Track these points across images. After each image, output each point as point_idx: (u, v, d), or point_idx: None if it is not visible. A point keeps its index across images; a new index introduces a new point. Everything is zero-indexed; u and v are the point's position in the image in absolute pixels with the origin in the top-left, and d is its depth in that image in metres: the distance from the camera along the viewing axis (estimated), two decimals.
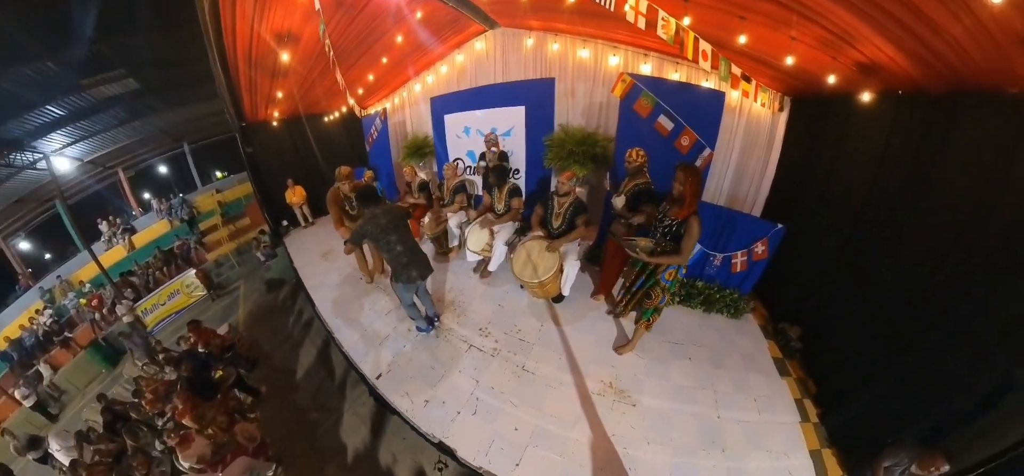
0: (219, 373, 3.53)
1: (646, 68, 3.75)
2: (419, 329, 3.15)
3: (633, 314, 2.82)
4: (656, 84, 3.25)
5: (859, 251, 2.55)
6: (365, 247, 3.94)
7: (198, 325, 4.19)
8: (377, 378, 2.95)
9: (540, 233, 3.13)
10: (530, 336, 3.12)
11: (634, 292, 2.63)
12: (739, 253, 3.15)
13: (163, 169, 11.67)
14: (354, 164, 6.89)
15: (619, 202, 2.89)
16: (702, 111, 3.15)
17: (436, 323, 3.15)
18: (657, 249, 2.35)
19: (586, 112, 4.31)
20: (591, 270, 3.76)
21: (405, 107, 6.33)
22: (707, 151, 3.28)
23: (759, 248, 3.07)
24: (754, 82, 2.95)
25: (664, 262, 2.37)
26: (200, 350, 3.87)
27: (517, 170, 4.31)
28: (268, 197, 6.82)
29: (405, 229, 2.72)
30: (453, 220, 4.16)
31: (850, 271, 2.59)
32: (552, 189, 3.31)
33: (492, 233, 3.59)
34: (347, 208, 3.72)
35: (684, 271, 2.49)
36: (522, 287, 3.39)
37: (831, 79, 2.58)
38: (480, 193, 4.75)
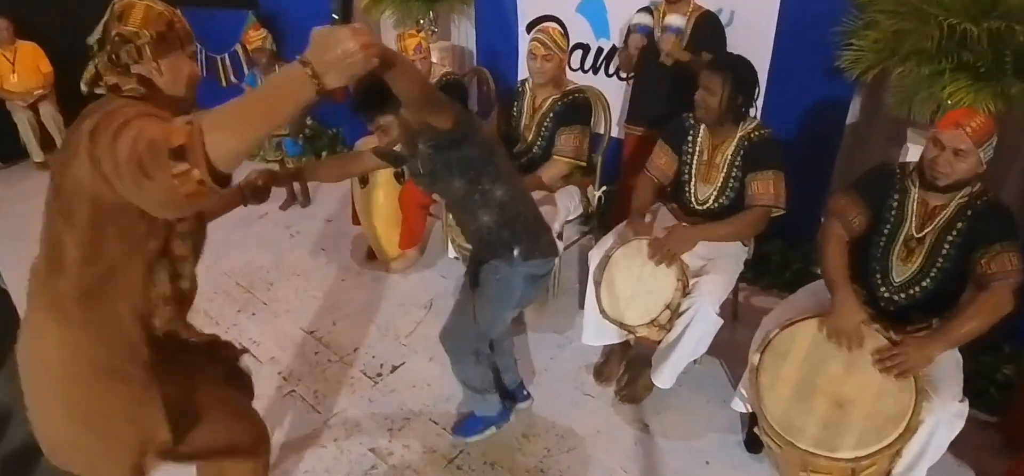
0: None
1: None
2: (479, 425, 2.46)
3: None
4: None
5: None
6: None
7: None
8: None
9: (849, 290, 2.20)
10: None
11: None
12: None
13: None
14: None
15: None
16: None
17: (523, 401, 2.59)
18: None
19: None
20: (973, 431, 2.59)
21: None
22: None
23: None
24: None
25: None
26: None
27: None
28: None
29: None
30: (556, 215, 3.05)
31: None
32: (896, 166, 2.24)
33: (685, 275, 2.47)
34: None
35: None
36: (754, 441, 2.41)
37: None
38: (617, 131, 3.51)
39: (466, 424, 2.50)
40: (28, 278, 1.39)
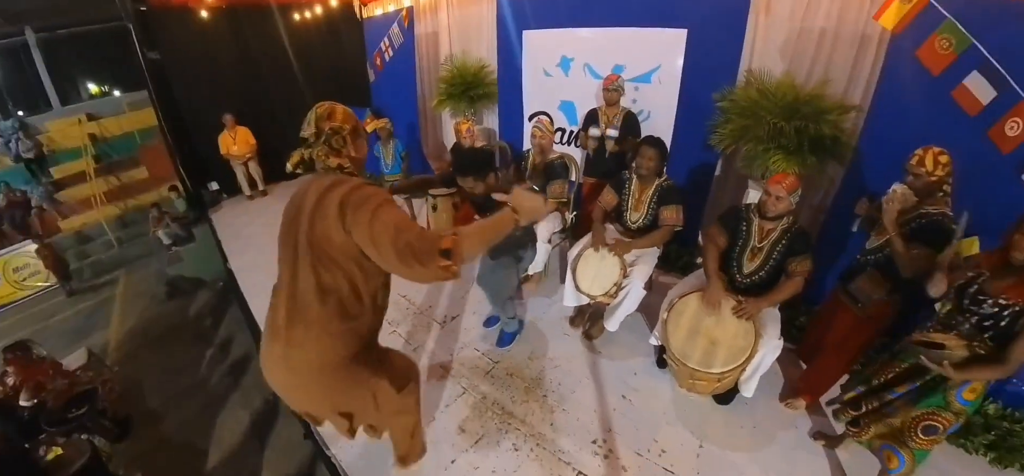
0: (54, 452, 2.84)
1: None
2: (507, 337, 3.38)
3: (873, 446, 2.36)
4: (977, 8, 2.55)
5: None
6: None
7: (25, 353, 3.38)
8: None
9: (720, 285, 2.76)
10: (682, 466, 2.65)
11: (888, 404, 2.22)
12: None
13: None
14: (345, 101, 6.64)
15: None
16: None
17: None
18: (969, 355, 1.96)
19: (789, 48, 3.40)
20: (784, 355, 3.16)
21: (442, 8, 5.66)
22: None
23: None
24: None
25: (979, 377, 1.97)
26: (22, 403, 3.11)
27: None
28: (185, 139, 6.50)
29: None
30: (541, 229, 3.74)
31: None
32: (742, 206, 2.83)
33: (624, 265, 3.14)
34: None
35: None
36: (661, 362, 3.12)
37: None
38: (577, 179, 4.26)
39: (503, 339, 3.38)
40: (274, 297, 1.57)
